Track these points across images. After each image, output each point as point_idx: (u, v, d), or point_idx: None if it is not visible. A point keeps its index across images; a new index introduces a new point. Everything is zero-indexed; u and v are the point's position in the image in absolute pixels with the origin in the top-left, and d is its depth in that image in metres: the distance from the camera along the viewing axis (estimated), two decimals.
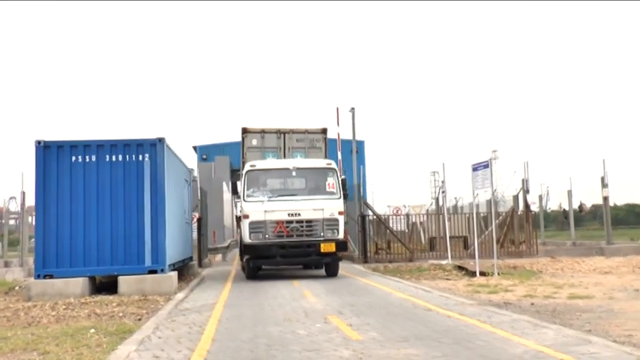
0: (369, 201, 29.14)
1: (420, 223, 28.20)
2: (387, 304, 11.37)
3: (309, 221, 16.44)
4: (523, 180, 24.92)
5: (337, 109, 24.66)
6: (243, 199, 16.84)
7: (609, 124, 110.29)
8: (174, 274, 14.69)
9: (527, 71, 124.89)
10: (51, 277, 13.68)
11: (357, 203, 23.94)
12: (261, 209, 16.36)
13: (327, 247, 16.33)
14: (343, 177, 17.43)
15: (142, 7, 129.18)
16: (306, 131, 19.64)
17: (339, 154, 23.71)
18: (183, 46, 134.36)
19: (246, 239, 16.46)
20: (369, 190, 40.47)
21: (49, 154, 14.05)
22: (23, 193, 23.90)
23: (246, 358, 7.01)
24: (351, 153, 25.75)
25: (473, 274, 16.48)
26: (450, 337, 7.93)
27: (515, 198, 24.94)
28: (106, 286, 14.42)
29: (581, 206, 32.72)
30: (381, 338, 7.94)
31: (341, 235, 16.69)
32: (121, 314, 10.74)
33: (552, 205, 40.88)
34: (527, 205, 24.32)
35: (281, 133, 19.32)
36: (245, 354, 7.18)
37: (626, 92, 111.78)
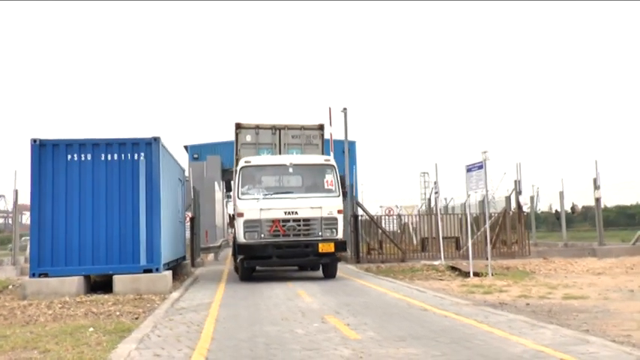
0: (359, 201, 29.16)
1: (412, 223, 28.27)
2: (383, 304, 11.42)
3: (306, 220, 15.85)
4: (516, 181, 25.06)
5: (330, 109, 24.63)
6: (238, 197, 16.18)
7: (599, 127, 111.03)
8: (169, 273, 14.68)
9: (518, 72, 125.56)
10: (46, 275, 13.63)
11: (349, 203, 23.97)
12: (257, 207, 15.78)
13: (326, 248, 15.76)
14: (342, 174, 16.86)
15: (133, 6, 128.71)
16: (303, 127, 19.01)
17: (332, 154, 23.69)
18: (175, 46, 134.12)
19: (241, 238, 15.85)
20: (359, 190, 40.51)
21: (45, 152, 14.01)
22: (16, 192, 23.78)
23: (246, 356, 7.03)
24: (343, 153, 25.72)
25: (466, 274, 16.55)
26: (448, 336, 7.98)
27: (508, 199, 25.07)
28: (100, 285, 14.38)
29: (573, 207, 32.90)
30: (379, 338, 7.99)
31: (340, 235, 16.14)
32: (118, 313, 10.75)
33: (542, 207, 41.16)
34: (519, 206, 24.44)
35: (276, 129, 18.72)
36: (245, 352, 7.20)
37: (615, 94, 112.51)
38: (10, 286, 16.06)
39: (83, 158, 14.20)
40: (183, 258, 20.18)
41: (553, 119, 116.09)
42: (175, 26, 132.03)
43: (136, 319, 10.08)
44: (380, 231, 23.90)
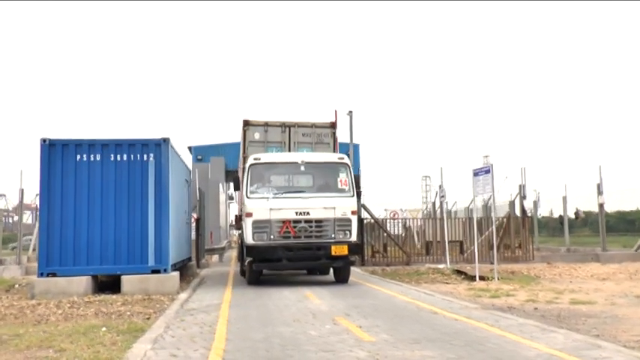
0: (364, 204, 29.22)
1: (415, 227, 28.34)
2: (392, 307, 11.47)
3: (318, 221, 15.07)
4: (520, 186, 25.11)
5: (335, 111, 24.66)
6: (246, 196, 15.31)
7: (600, 132, 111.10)
8: (177, 274, 14.72)
9: (521, 77, 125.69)
10: (54, 275, 13.68)
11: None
12: (266, 207, 14.95)
13: (339, 250, 14.98)
14: (356, 174, 16.06)
15: (138, 5, 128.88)
16: (314, 125, 18.01)
17: None
18: (181, 49, 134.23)
19: (249, 240, 15.03)
20: (362, 193, 40.49)
21: (54, 152, 14.05)
22: (22, 191, 23.84)
23: (263, 357, 7.08)
24: (348, 156, 25.71)
25: (472, 278, 16.60)
26: (461, 339, 8.03)
27: (512, 203, 25.14)
28: (107, 285, 14.39)
29: (577, 213, 32.95)
30: (392, 340, 8.04)
31: (354, 237, 15.37)
32: (128, 313, 10.78)
33: (543, 212, 41.20)
34: (523, 211, 24.51)
35: (286, 126, 17.77)
36: (262, 353, 7.25)
37: (614, 101, 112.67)
38: (17, 286, 16.13)
39: (92, 158, 14.24)
40: (189, 259, 20.23)
41: (552, 125, 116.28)
42: (180, 26, 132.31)
43: (148, 319, 10.12)
44: (384, 234, 23.94)
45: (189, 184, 20.21)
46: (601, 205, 24.93)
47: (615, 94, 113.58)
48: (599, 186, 24.70)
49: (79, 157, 14.19)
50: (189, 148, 42.68)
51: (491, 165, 16.05)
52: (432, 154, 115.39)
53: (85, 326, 9.30)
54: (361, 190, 15.87)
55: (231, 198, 49.08)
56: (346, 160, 16.12)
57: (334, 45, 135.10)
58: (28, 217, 50.74)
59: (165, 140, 14.53)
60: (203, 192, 25.15)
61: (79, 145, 14.26)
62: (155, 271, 14.04)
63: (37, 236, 27.63)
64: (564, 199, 29.88)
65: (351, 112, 25.47)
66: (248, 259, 15.63)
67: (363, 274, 19.26)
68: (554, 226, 39.21)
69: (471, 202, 26.24)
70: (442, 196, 22.61)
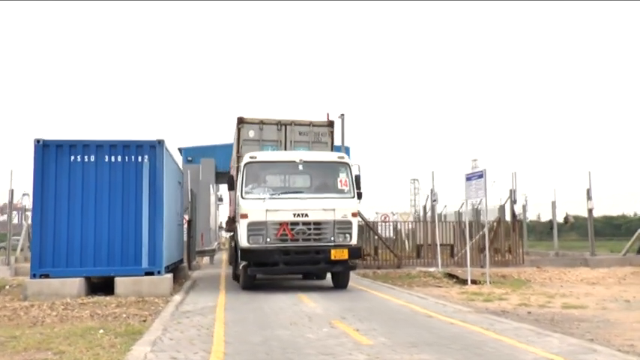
0: None
1: (405, 230, 28.44)
2: (387, 310, 11.53)
3: (317, 223, 14.44)
4: (511, 190, 25.29)
5: (327, 114, 24.69)
6: (241, 196, 14.64)
7: (589, 138, 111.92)
8: (170, 276, 14.71)
9: (511, 82, 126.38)
10: (47, 276, 13.63)
11: None
12: (262, 208, 14.31)
13: (339, 254, 14.35)
14: (357, 174, 15.26)
15: (130, 5, 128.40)
16: (311, 124, 17.35)
17: None
18: (171, 49, 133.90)
19: (244, 243, 14.33)
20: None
21: (48, 153, 14.02)
22: (11, 191, 23.65)
23: None
24: None
25: (464, 282, 16.71)
26: (458, 343, 8.10)
27: (502, 208, 25.29)
28: (99, 286, 14.35)
29: (566, 218, 33.21)
30: (390, 343, 8.09)
31: (354, 241, 14.74)
32: (124, 315, 10.76)
33: (530, 216, 41.48)
34: (514, 215, 24.67)
35: (282, 124, 17.10)
36: (262, 357, 7.28)
37: (604, 107, 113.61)
38: (7, 287, 16.04)
39: (86, 159, 14.22)
40: (181, 261, 20.20)
41: (541, 130, 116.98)
42: (171, 27, 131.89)
43: (144, 321, 10.11)
44: (375, 237, 24.00)
45: (181, 185, 20.20)
46: (590, 211, 25.14)
47: (605, 100, 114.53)
48: (588, 191, 24.91)
49: (72, 158, 14.17)
50: (180, 150, 42.54)
51: (484, 170, 16.17)
52: (420, 158, 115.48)
53: (81, 328, 9.28)
54: (362, 191, 15.25)
55: (220, 199, 48.97)
56: (347, 159, 15.60)
57: (325, 48, 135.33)
58: (14, 217, 50.33)
59: (160, 142, 14.53)
60: (195, 193, 25.11)
61: (73, 145, 14.23)
62: (148, 273, 14.03)
63: (24, 237, 27.54)
64: (553, 204, 30.11)
65: (342, 115, 25.51)
66: (242, 263, 14.88)
67: (355, 277, 19.19)
68: (541, 230, 39.53)
69: (462, 206, 26.44)
70: (434, 200, 22.70)
